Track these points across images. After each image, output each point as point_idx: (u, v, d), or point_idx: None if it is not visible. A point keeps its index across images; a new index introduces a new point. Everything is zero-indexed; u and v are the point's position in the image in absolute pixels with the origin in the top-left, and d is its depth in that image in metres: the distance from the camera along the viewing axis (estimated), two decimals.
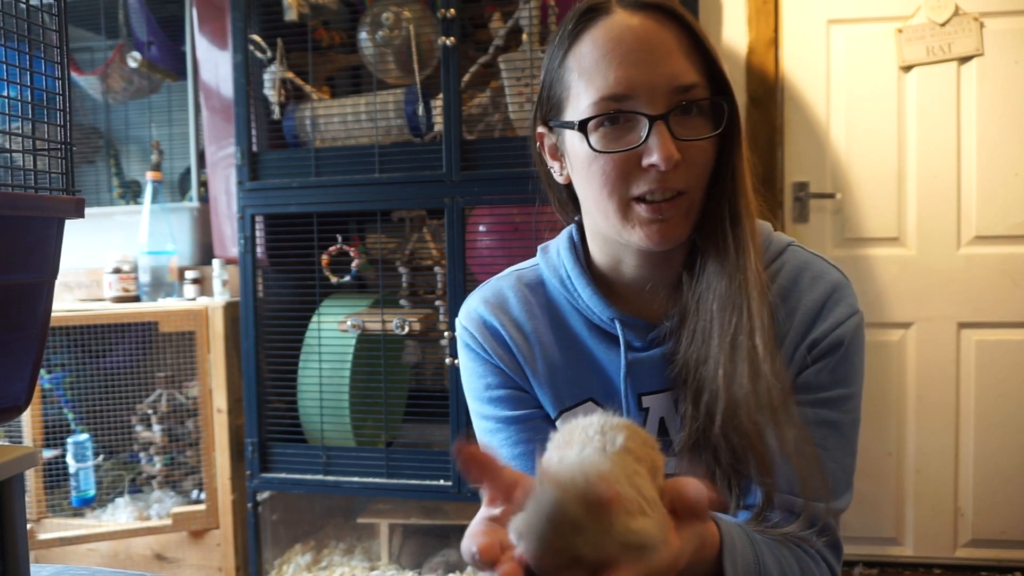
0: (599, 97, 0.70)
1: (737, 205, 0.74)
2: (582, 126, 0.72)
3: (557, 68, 0.76)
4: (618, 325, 0.79)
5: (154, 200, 2.24)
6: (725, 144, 0.74)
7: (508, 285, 0.85)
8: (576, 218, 0.86)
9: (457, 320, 0.86)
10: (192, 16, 2.31)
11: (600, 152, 0.71)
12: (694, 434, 0.73)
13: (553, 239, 0.87)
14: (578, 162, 0.74)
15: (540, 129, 0.81)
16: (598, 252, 0.82)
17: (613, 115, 0.70)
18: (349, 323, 1.90)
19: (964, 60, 2.09)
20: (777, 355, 0.72)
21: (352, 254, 1.94)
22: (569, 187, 0.81)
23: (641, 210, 0.72)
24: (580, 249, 0.83)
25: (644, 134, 0.69)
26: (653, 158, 0.69)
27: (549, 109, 0.78)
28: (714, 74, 0.72)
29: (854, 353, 0.76)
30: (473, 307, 0.85)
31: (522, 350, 0.82)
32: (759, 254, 0.74)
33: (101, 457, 2.08)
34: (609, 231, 0.76)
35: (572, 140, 0.75)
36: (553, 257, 0.84)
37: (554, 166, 0.82)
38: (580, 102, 0.73)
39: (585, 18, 0.73)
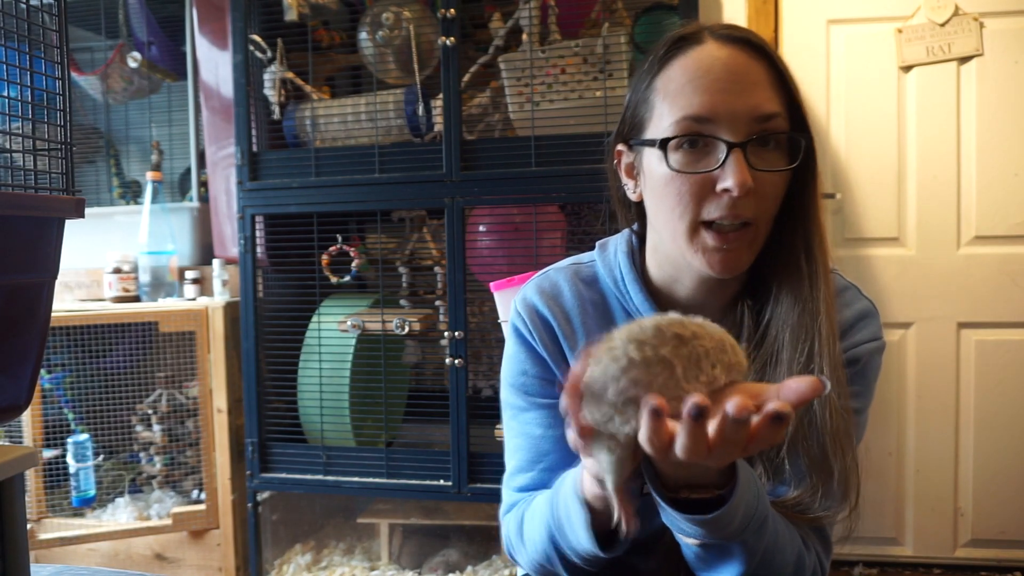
0: (681, 116, 0.73)
1: (812, 239, 0.77)
2: (663, 144, 0.74)
3: (644, 90, 0.78)
4: None
5: (154, 200, 2.24)
6: (800, 178, 0.77)
7: (564, 278, 0.88)
8: (635, 229, 0.88)
9: (512, 303, 0.90)
10: (192, 16, 2.30)
11: (677, 172, 0.73)
12: None
13: (612, 236, 0.90)
14: (654, 181, 0.77)
15: (619, 147, 0.84)
16: (655, 268, 0.84)
17: (693, 139, 0.73)
18: (349, 323, 1.90)
19: (964, 60, 2.09)
20: (844, 382, 0.75)
21: (352, 254, 1.94)
22: (639, 205, 0.84)
23: (708, 237, 0.74)
24: (637, 256, 0.86)
25: (721, 159, 0.72)
26: (728, 183, 0.71)
27: (631, 128, 0.81)
28: (794, 111, 0.75)
29: (869, 373, 0.81)
30: (528, 295, 0.88)
31: (568, 339, 0.85)
32: (831, 288, 0.76)
33: (101, 457, 2.08)
34: (673, 251, 0.78)
35: (650, 160, 0.77)
36: (611, 257, 0.87)
37: (628, 184, 0.84)
38: (663, 121, 0.75)
39: (677, 46, 0.76)
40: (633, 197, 0.83)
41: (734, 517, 0.62)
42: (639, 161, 0.80)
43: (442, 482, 1.86)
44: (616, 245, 0.88)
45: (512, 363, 0.89)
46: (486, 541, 2.08)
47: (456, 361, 1.82)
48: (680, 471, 0.61)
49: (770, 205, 0.75)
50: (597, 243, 0.91)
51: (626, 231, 0.89)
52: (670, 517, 0.64)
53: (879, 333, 0.82)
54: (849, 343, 0.80)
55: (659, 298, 0.84)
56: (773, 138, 0.73)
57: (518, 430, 0.87)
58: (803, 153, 0.74)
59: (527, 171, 1.78)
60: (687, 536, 0.65)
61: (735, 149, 0.71)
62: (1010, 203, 2.09)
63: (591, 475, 0.65)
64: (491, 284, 1.28)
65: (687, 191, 0.73)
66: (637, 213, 0.87)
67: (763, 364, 0.76)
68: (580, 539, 0.70)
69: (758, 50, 0.74)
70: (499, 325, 1.33)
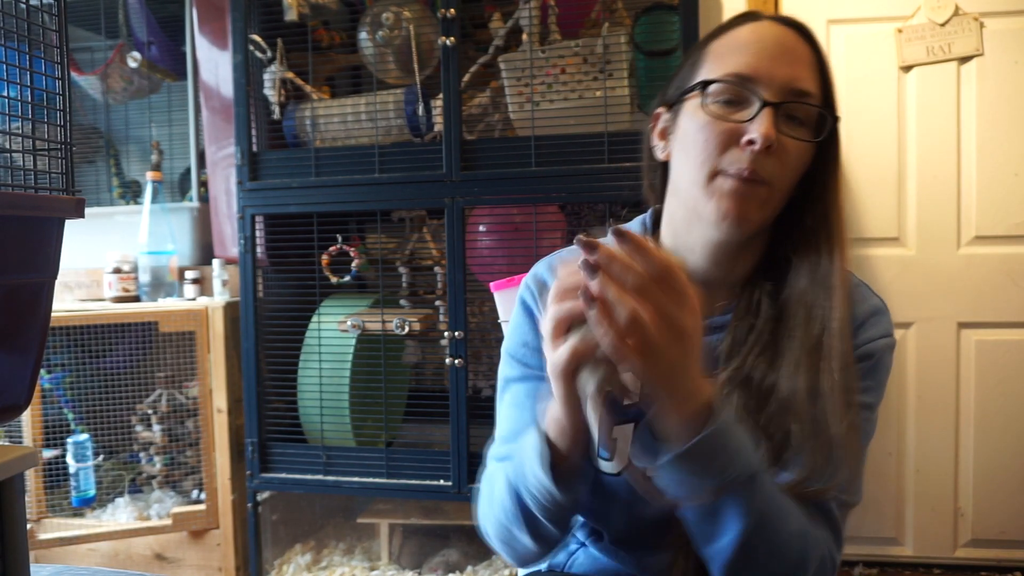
0: (726, 72, 0.78)
1: (831, 218, 0.80)
2: (705, 85, 0.78)
3: (695, 55, 0.83)
4: None
5: (154, 200, 2.24)
6: (822, 159, 0.81)
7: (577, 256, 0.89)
8: (655, 207, 0.91)
9: (523, 278, 0.92)
10: (192, 16, 2.30)
11: (710, 119, 0.77)
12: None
13: (627, 223, 0.93)
14: (684, 134, 0.81)
15: (659, 110, 0.87)
16: (669, 239, 0.87)
17: (730, 97, 0.77)
18: (349, 323, 1.90)
19: (964, 60, 2.09)
20: (851, 355, 0.77)
21: (352, 254, 1.94)
22: (664, 170, 0.87)
23: (724, 183, 0.77)
24: (650, 232, 0.89)
25: (753, 114, 0.76)
26: (753, 134, 0.75)
27: (675, 89, 0.85)
28: (826, 100, 0.80)
29: (880, 369, 0.82)
30: (538, 270, 0.92)
31: None
32: (847, 267, 0.80)
33: (101, 457, 2.08)
34: (688, 206, 0.81)
35: (685, 114, 0.81)
36: None
37: (658, 145, 0.87)
38: (708, 76, 0.79)
39: (735, 22, 0.82)
40: (661, 156, 0.87)
41: (715, 448, 0.64)
42: (673, 122, 0.84)
43: (442, 482, 1.86)
44: (630, 226, 0.91)
45: (514, 334, 0.90)
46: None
47: (456, 361, 1.82)
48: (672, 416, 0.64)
49: (788, 173, 0.78)
50: (611, 229, 0.92)
51: (640, 216, 0.91)
52: (662, 468, 0.66)
53: (890, 330, 0.84)
54: (862, 339, 0.81)
55: None
56: (803, 112, 0.77)
57: (510, 401, 0.88)
58: (828, 132, 0.79)
59: (527, 171, 1.78)
60: (679, 488, 0.67)
61: (768, 107, 0.75)
62: (1010, 203, 2.09)
63: (559, 406, 0.67)
64: (491, 284, 1.28)
65: (713, 139, 0.77)
66: (661, 181, 0.89)
67: (777, 339, 0.78)
68: (533, 472, 0.71)
69: (807, 36, 0.80)
70: (499, 325, 1.33)
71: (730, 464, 0.65)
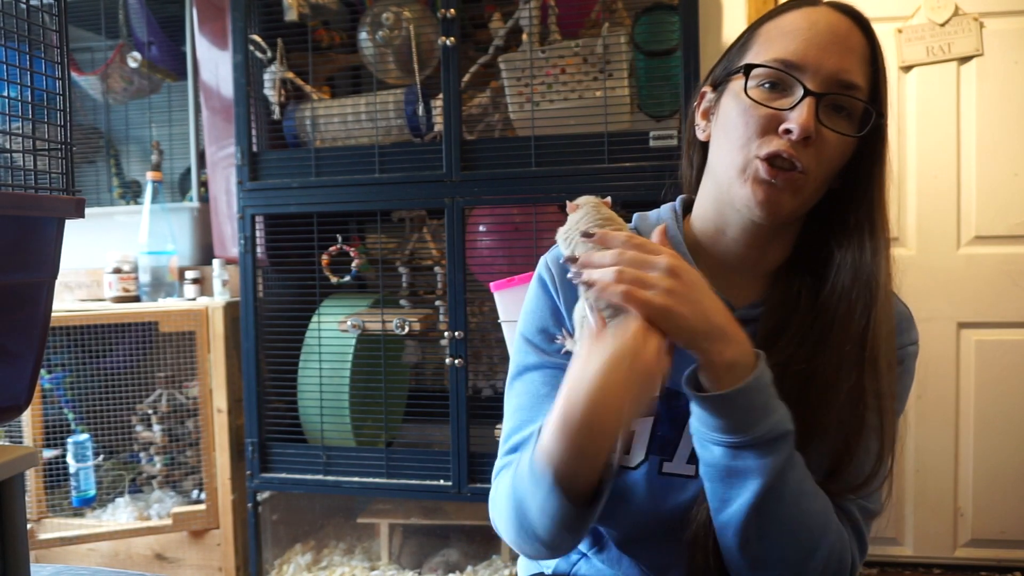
0: (774, 57, 0.76)
1: (876, 218, 0.79)
2: (748, 68, 0.77)
3: (748, 35, 0.82)
4: None
5: (154, 200, 2.24)
6: (868, 154, 0.78)
7: None
8: (684, 196, 0.91)
9: (542, 257, 0.90)
10: (192, 16, 2.30)
11: (751, 103, 0.76)
12: None
13: (652, 211, 0.92)
14: (726, 116, 0.80)
15: (705, 88, 0.86)
16: (702, 220, 0.85)
17: (774, 81, 0.76)
18: (349, 323, 1.90)
19: (964, 60, 2.09)
20: (894, 350, 0.78)
21: (352, 254, 1.94)
22: (703, 150, 0.86)
23: (760, 168, 0.75)
24: (681, 219, 0.87)
25: (794, 103, 0.74)
26: (791, 124, 0.73)
27: (723, 69, 0.83)
28: (875, 95, 0.77)
29: (907, 376, 0.83)
30: (560, 251, 0.89)
31: None
32: (891, 262, 0.80)
33: (101, 457, 2.08)
34: (723, 187, 0.80)
35: (728, 96, 0.80)
36: (652, 220, 0.89)
37: (700, 124, 0.86)
38: (756, 59, 0.78)
39: (790, 4, 0.80)
40: (701, 136, 0.86)
41: (750, 401, 0.66)
42: (717, 102, 0.83)
43: (442, 482, 1.86)
44: (659, 211, 0.89)
45: (531, 317, 0.87)
46: (486, 541, 2.08)
47: (456, 361, 1.82)
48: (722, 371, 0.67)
49: (825, 165, 0.76)
50: (636, 214, 0.91)
51: (670, 204, 0.90)
52: (696, 412, 0.69)
53: (917, 337, 0.84)
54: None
55: (699, 259, 0.83)
56: (849, 104, 0.75)
57: (522, 389, 0.85)
58: (872, 128, 0.76)
59: (527, 171, 1.78)
60: (709, 433, 0.68)
61: (810, 97, 0.73)
62: (1010, 203, 2.09)
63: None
64: (491, 284, 1.28)
65: (753, 124, 0.75)
66: (700, 160, 0.88)
67: (821, 331, 0.77)
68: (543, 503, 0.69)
69: (863, 26, 0.77)
70: (499, 325, 1.33)
71: (760, 421, 0.66)
